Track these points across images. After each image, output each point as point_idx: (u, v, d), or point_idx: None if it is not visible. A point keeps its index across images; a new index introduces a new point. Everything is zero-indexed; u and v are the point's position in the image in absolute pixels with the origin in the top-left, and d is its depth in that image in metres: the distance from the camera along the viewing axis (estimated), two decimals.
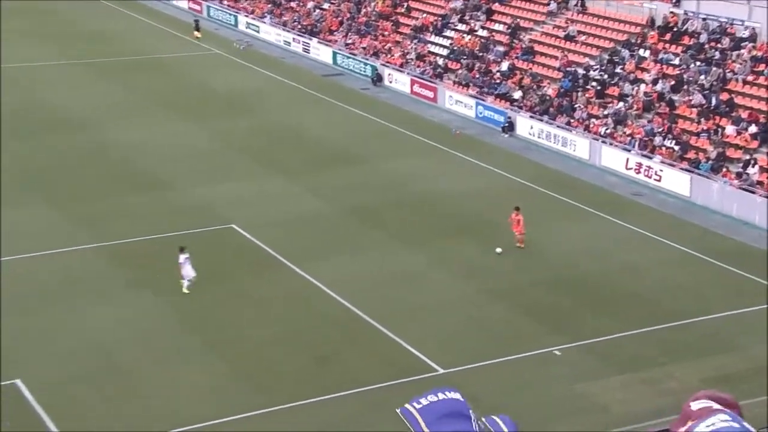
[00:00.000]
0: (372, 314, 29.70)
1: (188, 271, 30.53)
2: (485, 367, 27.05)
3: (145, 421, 24.11)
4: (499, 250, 33.77)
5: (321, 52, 62.67)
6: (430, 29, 60.42)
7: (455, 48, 57.30)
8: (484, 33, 57.32)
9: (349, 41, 62.55)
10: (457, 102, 52.20)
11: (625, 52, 49.58)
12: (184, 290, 30.57)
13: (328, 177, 41.72)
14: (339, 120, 50.31)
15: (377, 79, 57.30)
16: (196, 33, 66.15)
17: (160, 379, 26.04)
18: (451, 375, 26.56)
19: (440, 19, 60.57)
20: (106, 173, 41.47)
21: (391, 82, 56.75)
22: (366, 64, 58.76)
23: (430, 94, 53.80)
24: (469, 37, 57.57)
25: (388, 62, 58.18)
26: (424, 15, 61.81)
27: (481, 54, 55.54)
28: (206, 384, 25.90)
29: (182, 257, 30.57)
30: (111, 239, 34.55)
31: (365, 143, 46.51)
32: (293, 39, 65.33)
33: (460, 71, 54.71)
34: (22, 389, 25.23)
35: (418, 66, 56.78)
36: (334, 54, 61.47)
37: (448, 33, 59.23)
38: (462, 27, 58.85)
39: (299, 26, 66.49)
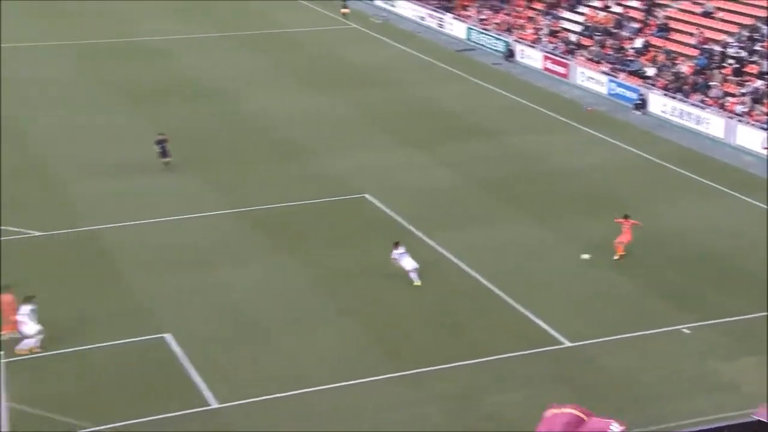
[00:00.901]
0: (500, 286, 29.58)
1: (407, 264, 29.47)
2: (613, 342, 26.62)
3: (280, 379, 24.63)
4: (586, 256, 31.32)
5: (455, 28, 62.38)
6: (564, 5, 59.35)
7: (588, 24, 56.15)
8: (618, 9, 55.97)
9: (483, 17, 62.04)
10: (589, 78, 51.21)
11: (765, 29, 47.60)
12: (416, 283, 29.32)
13: (459, 150, 41.64)
14: (471, 94, 50.07)
15: (509, 54, 56.70)
16: (343, 10, 66.76)
17: (295, 341, 26.52)
18: (579, 348, 26.30)
19: None
20: (247, 142, 42.42)
21: (523, 57, 56.07)
22: (498, 39, 58.21)
23: (562, 70, 52.94)
24: (604, 13, 56.32)
25: (520, 38, 57.49)
26: None
27: (614, 30, 54.28)
28: (339, 347, 26.28)
29: (396, 252, 29.60)
30: (251, 205, 35.37)
31: (496, 117, 46.18)
32: (428, 14, 65.19)
33: (592, 47, 53.62)
34: (171, 343, 26.18)
35: (551, 42, 55.91)
36: (468, 29, 61.10)
37: (581, 9, 58.09)
38: (596, 3, 57.60)
39: (434, 1, 66.29)
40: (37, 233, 32.68)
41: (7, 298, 25.86)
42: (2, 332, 25.70)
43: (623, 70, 50.31)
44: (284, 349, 26.15)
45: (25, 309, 25.32)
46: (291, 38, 60.94)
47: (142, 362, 25.34)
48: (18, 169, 38.37)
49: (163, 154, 38.21)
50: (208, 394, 23.95)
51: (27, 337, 25.20)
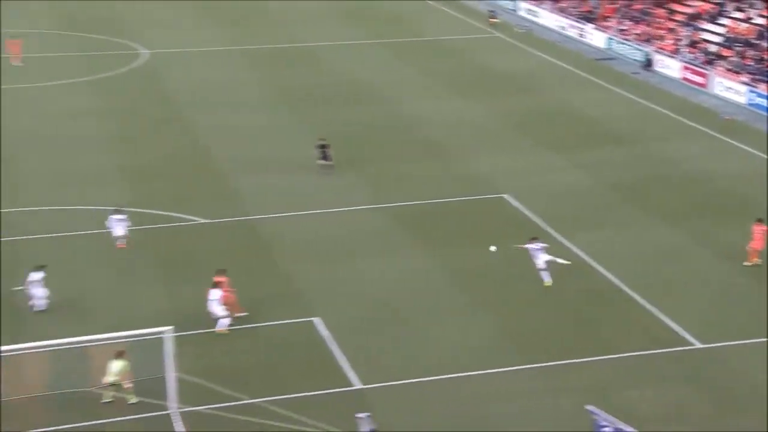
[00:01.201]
0: (633, 286, 28.95)
1: (540, 261, 28.79)
2: (745, 346, 25.66)
3: (418, 365, 24.87)
4: (493, 248, 29.71)
5: (595, 38, 61.18)
6: (705, 17, 57.34)
7: (729, 36, 54.06)
8: (761, 21, 53.66)
9: (623, 27, 60.63)
10: (728, 88, 49.32)
11: None
12: (546, 282, 28.63)
13: (596, 154, 40.90)
14: (609, 101, 49.07)
15: (647, 64, 55.19)
16: (492, 20, 66.49)
17: (433, 330, 26.67)
18: (710, 350, 25.47)
19: (717, 6, 57.31)
20: (396, 142, 42.78)
21: (661, 67, 54.49)
22: (638, 49, 56.75)
23: (701, 80, 51.17)
24: (745, 25, 54.11)
25: (660, 48, 55.89)
26: (700, 3, 58.71)
27: (755, 42, 52.07)
28: (473, 338, 26.31)
29: (530, 246, 29.17)
30: (398, 201, 35.70)
31: (634, 124, 45.12)
32: (569, 24, 64.19)
33: (732, 58, 51.62)
34: (319, 327, 26.74)
35: (690, 52, 54.12)
36: (608, 39, 59.83)
37: (722, 21, 55.98)
38: (738, 15, 55.39)
39: (576, 12, 65.23)
40: (204, 220, 33.97)
41: (221, 280, 26.67)
42: (237, 313, 26.54)
43: (763, 81, 48.22)
44: (422, 337, 26.34)
45: (216, 293, 26.19)
46: (440, 46, 61.07)
47: (292, 343, 26.01)
48: (188, 163, 39.95)
49: (324, 157, 38.73)
50: (352, 375, 24.39)
51: (219, 317, 26.09)
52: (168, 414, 22.42)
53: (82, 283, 28.79)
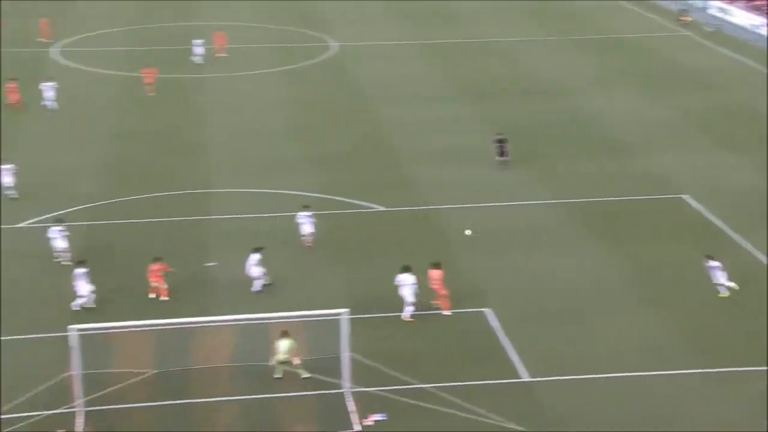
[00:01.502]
0: None
1: (716, 277, 27.12)
2: None
3: (588, 361, 24.12)
4: (468, 232, 28.65)
5: None
6: None
7: None
8: None
9: None
10: None
11: None
12: (721, 294, 27.00)
13: None
14: None
15: None
16: (683, 18, 63.72)
17: (605, 327, 25.82)
18: None
19: None
20: (575, 138, 41.69)
21: None
22: None
23: None
24: None
25: None
26: None
27: None
28: (646, 338, 25.26)
29: (707, 264, 27.43)
30: (574, 197, 34.75)
31: None
32: (763, 23, 60.39)
33: None
34: (490, 318, 26.37)
35: None
36: None
37: None
38: None
39: None
40: (383, 208, 34.26)
41: (435, 273, 26.63)
42: (432, 302, 26.53)
43: None
44: (594, 333, 25.56)
45: (408, 278, 26.04)
46: (627, 43, 59.00)
47: (463, 332, 25.76)
48: (371, 153, 40.40)
49: (501, 153, 38.15)
50: (520, 367, 23.92)
51: (408, 304, 26.13)
52: (341, 393, 22.71)
53: (267, 263, 29.60)
